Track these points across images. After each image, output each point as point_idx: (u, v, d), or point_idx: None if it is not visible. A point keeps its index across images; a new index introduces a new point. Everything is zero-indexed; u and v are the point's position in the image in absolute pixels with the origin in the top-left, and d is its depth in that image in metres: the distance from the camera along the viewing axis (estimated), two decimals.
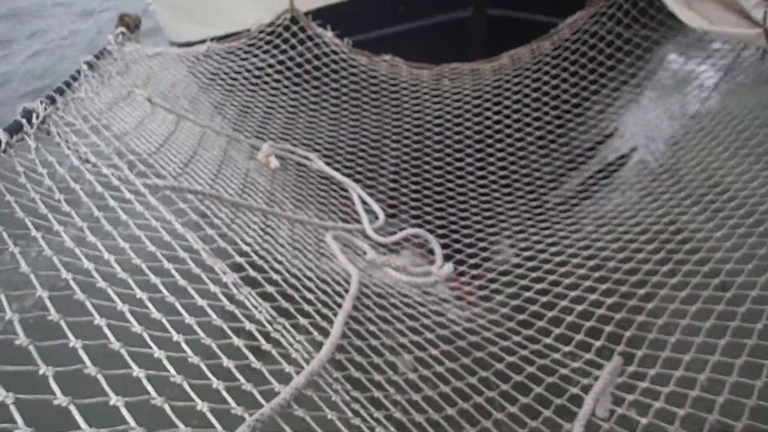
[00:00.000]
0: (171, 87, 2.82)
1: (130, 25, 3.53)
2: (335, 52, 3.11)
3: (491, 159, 2.88)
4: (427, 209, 2.67)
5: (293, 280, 1.73)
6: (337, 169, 3.15)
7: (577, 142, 3.16)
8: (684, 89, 3.30)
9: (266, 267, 1.73)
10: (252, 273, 1.65)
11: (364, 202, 2.57)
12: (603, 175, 3.14)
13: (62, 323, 1.11)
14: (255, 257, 1.74)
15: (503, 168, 2.85)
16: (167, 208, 1.50)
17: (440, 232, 2.49)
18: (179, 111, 2.49)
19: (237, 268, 1.59)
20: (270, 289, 1.61)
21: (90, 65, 2.27)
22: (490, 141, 2.94)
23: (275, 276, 1.71)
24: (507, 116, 2.92)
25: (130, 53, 2.80)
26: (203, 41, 3.24)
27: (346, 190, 2.71)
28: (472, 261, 2.29)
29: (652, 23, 3.00)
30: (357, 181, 2.97)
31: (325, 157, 3.00)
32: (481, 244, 2.41)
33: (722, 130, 2.74)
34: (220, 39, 3.29)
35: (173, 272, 1.39)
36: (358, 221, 2.43)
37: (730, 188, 2.34)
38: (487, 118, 2.94)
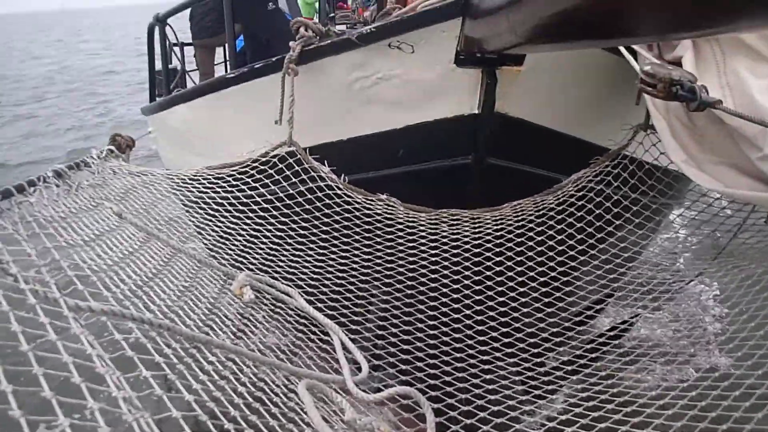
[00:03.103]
0: (149, 205, 2.61)
1: (122, 145, 3.44)
2: (330, 188, 2.97)
3: (491, 313, 2.58)
4: (418, 365, 2.31)
5: None
6: (319, 310, 2.84)
7: (583, 299, 2.92)
8: (688, 251, 3.19)
9: (217, 412, 1.35)
10: (202, 417, 1.27)
11: (346, 350, 2.22)
12: (613, 335, 2.88)
13: None
14: (206, 399, 1.37)
15: (505, 324, 2.54)
16: (94, 339, 1.16)
17: (433, 394, 2.11)
18: (150, 229, 2.24)
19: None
20: None
21: (57, 173, 2.08)
22: (490, 293, 2.68)
23: (228, 425, 1.33)
24: (509, 268, 2.70)
25: (111, 168, 2.63)
26: None
27: (327, 334, 2.37)
28: None
29: (660, 185, 2.93)
30: (340, 325, 2.65)
31: (307, 295, 2.72)
32: (482, 414, 2.02)
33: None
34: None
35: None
36: (338, 371, 2.06)
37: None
38: (488, 268, 2.71)
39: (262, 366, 1.69)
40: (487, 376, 2.34)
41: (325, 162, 3.06)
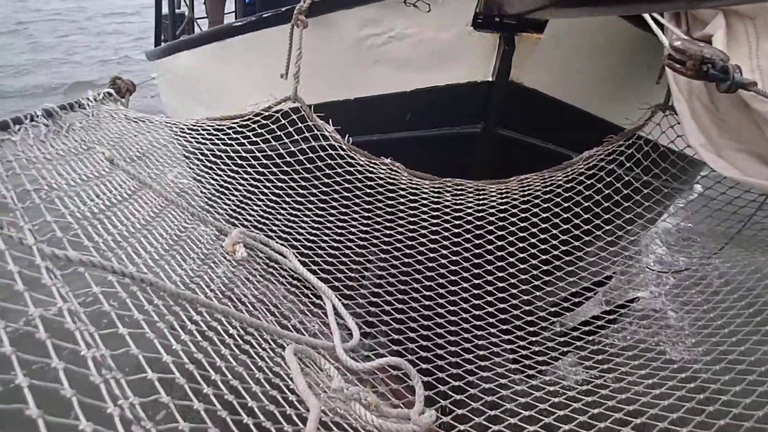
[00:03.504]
0: (144, 153, 2.51)
1: (121, 88, 3.32)
2: (333, 147, 2.87)
3: (489, 288, 2.52)
4: (411, 335, 2.26)
5: (231, 397, 1.30)
6: (313, 272, 2.78)
7: (584, 278, 2.86)
8: (700, 237, 3.12)
9: (197, 375, 1.30)
10: (179, 380, 1.22)
11: (338, 315, 2.16)
12: (610, 317, 2.84)
13: None
14: (186, 361, 1.32)
15: (503, 300, 2.48)
16: (68, 292, 1.09)
17: (423, 366, 2.07)
18: (143, 178, 2.16)
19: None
20: (198, 405, 1.17)
21: (47, 113, 1.97)
22: (490, 267, 2.61)
23: (207, 389, 1.28)
24: (511, 243, 2.62)
25: (107, 111, 2.52)
26: None
27: (319, 298, 2.31)
28: (459, 411, 1.85)
29: (673, 169, 2.83)
30: (334, 289, 2.60)
31: (302, 256, 2.66)
32: (472, 391, 1.98)
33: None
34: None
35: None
36: (328, 337, 2.02)
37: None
38: (490, 242, 2.64)
39: (250, 327, 1.63)
40: (480, 352, 2.30)
41: (330, 121, 2.95)
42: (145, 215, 1.90)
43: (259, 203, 2.69)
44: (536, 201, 2.67)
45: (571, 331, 2.79)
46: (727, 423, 1.75)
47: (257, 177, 2.81)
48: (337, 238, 2.76)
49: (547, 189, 2.71)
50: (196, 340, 1.37)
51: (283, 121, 2.93)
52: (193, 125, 2.87)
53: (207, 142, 2.84)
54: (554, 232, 2.66)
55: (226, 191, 2.78)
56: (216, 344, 1.42)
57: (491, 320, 2.41)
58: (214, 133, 2.88)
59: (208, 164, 2.85)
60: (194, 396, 1.15)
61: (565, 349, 2.66)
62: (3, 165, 1.44)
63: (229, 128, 2.89)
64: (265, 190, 2.75)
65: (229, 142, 2.87)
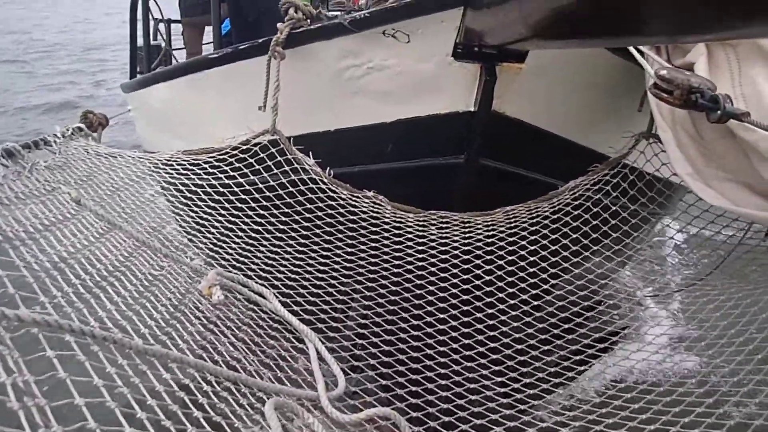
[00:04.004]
0: (115, 191, 2.39)
1: (93, 123, 3.22)
2: (314, 181, 2.79)
3: (479, 326, 2.43)
4: (399, 380, 2.15)
5: None
6: (295, 313, 2.67)
7: (574, 303, 2.80)
8: (686, 265, 3.09)
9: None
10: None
11: (321, 360, 2.04)
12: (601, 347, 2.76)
13: None
14: (162, 417, 1.20)
15: (493, 339, 2.39)
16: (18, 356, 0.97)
17: (413, 415, 1.95)
18: (113, 218, 2.04)
19: None
20: None
21: (8, 152, 1.86)
22: (478, 304, 2.53)
23: None
24: (500, 278, 2.55)
25: (76, 149, 2.41)
26: None
27: (302, 341, 2.19)
28: None
29: (660, 198, 2.80)
30: (318, 331, 2.49)
31: (284, 296, 2.54)
32: (463, 426, 1.88)
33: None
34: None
35: None
36: (312, 385, 1.89)
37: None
38: (477, 276, 2.56)
39: (226, 382, 1.51)
40: (471, 385, 2.19)
41: (310, 154, 2.87)
42: (113, 260, 1.78)
43: (238, 240, 2.58)
44: (523, 234, 2.61)
45: (562, 361, 2.72)
46: None
47: (235, 213, 2.71)
48: (320, 275, 2.65)
49: (534, 221, 2.65)
50: (171, 391, 1.25)
51: (262, 155, 2.84)
52: (168, 159, 2.76)
53: (182, 177, 2.73)
54: (543, 265, 2.59)
55: (202, 228, 2.66)
56: (187, 405, 1.30)
57: (480, 357, 2.31)
58: (190, 167, 2.78)
59: (184, 200, 2.74)
60: None
61: (557, 381, 2.58)
62: None
63: (205, 162, 2.79)
64: (244, 227, 2.64)
65: (205, 176, 2.76)
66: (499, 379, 2.30)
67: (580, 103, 2.87)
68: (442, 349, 2.31)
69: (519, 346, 2.39)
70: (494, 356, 2.30)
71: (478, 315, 2.47)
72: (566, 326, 2.82)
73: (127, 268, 1.80)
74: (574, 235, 2.63)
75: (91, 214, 1.93)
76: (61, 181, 2.03)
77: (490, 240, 2.60)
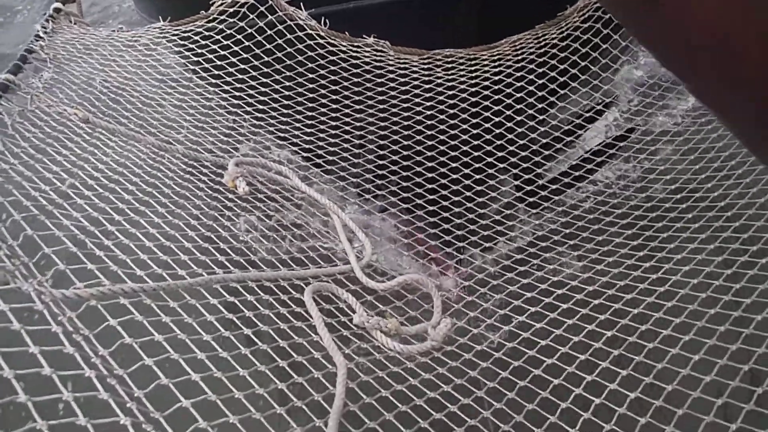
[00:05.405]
0: (119, 89, 2.38)
1: None
2: (310, 37, 2.66)
3: (490, 159, 2.54)
4: (419, 201, 2.46)
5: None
6: (317, 165, 2.81)
7: (583, 135, 2.85)
8: None
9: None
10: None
11: (347, 229, 2.23)
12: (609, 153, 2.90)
13: None
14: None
15: (501, 147, 2.53)
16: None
17: (432, 231, 2.38)
18: (126, 127, 2.08)
19: None
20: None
21: (5, 86, 1.84)
22: (489, 137, 2.59)
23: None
24: (508, 118, 2.55)
25: (64, 47, 2.33)
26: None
27: (327, 215, 2.36)
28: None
29: None
30: (340, 178, 2.64)
31: (304, 154, 2.65)
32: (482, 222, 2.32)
33: None
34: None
35: None
36: (342, 253, 2.12)
37: None
38: (486, 119, 2.57)
39: (267, 282, 1.72)
40: (483, 198, 2.48)
41: (301, 4, 2.68)
42: (139, 182, 1.87)
43: (247, 117, 2.60)
44: (531, 67, 2.52)
45: (571, 169, 2.87)
46: None
47: (239, 86, 2.67)
48: (333, 131, 2.70)
49: (541, 51, 2.53)
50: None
51: (252, 16, 2.68)
52: (157, 38, 2.64)
53: (178, 55, 2.64)
54: (551, 86, 2.56)
55: (211, 110, 2.67)
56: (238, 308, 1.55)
57: (494, 159, 2.54)
58: (181, 43, 2.67)
59: (185, 84, 2.70)
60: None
61: (567, 180, 2.76)
62: None
63: (195, 34, 2.66)
64: (251, 100, 2.63)
65: (199, 51, 2.67)
66: (515, 182, 2.62)
67: None
68: (456, 188, 2.47)
69: (530, 138, 2.58)
70: (506, 152, 2.54)
71: (488, 148, 2.57)
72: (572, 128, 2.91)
73: (154, 187, 1.90)
74: (583, 63, 2.52)
75: (104, 131, 1.98)
76: (65, 101, 2.04)
77: (497, 79, 2.54)
